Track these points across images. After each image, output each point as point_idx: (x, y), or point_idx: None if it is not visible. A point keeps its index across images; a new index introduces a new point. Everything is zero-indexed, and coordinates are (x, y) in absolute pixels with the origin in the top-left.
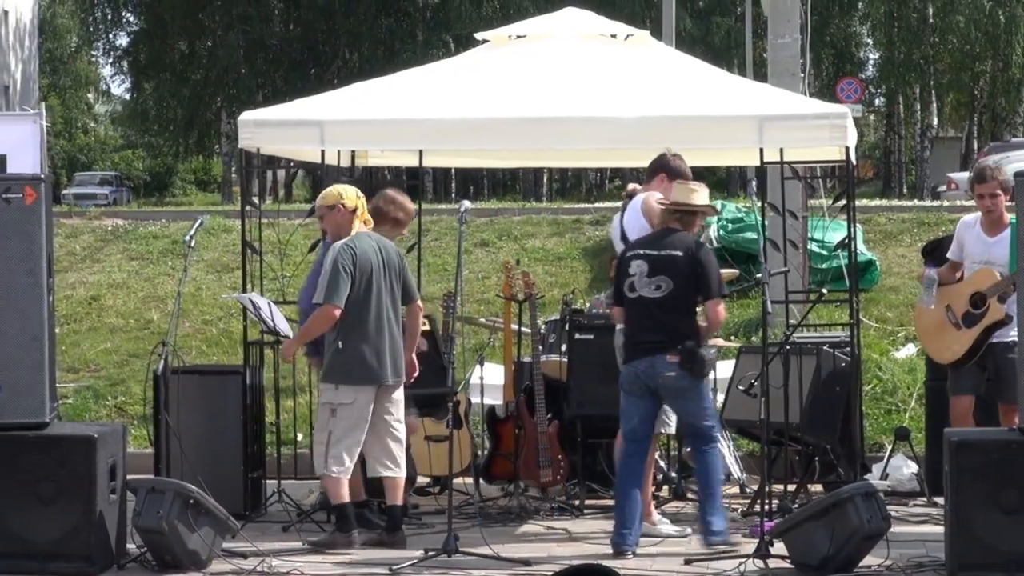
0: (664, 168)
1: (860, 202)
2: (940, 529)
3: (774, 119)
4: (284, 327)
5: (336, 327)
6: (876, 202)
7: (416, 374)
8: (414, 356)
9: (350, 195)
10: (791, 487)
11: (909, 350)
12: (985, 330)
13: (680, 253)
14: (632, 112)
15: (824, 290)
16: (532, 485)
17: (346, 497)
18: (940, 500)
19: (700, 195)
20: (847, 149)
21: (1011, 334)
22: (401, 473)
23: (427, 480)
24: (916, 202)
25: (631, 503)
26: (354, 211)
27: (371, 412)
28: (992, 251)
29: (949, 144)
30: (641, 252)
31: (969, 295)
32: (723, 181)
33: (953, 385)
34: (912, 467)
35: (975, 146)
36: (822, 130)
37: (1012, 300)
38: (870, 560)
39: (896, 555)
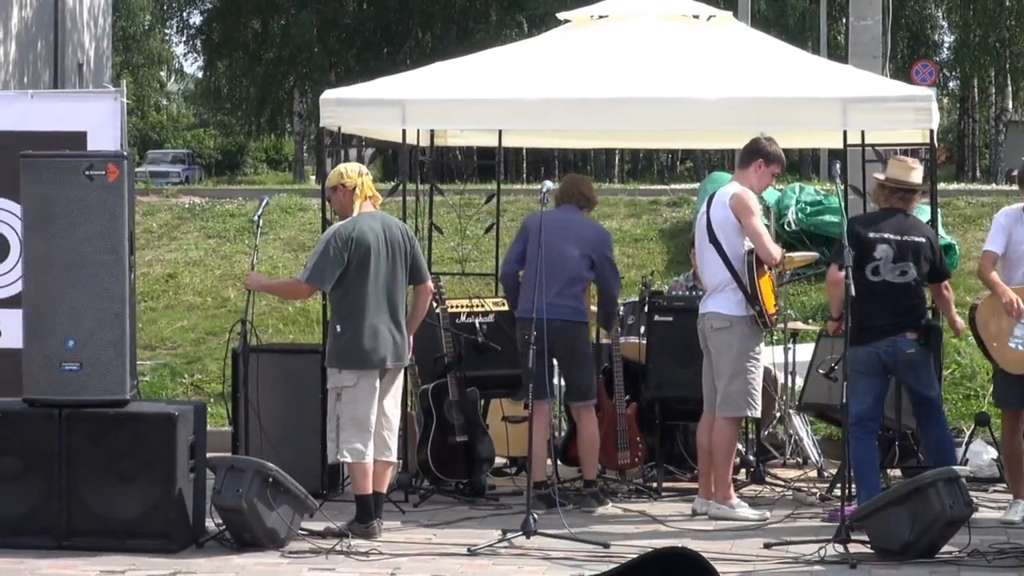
0: (761, 153)
1: (939, 185)
2: None
3: (859, 101)
4: None
5: (334, 310)
6: (955, 186)
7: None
8: (410, 338)
9: (351, 174)
10: None
11: None
12: None
13: (923, 240)
14: (716, 93)
15: None
16: (610, 467)
17: (369, 488)
18: None
19: (918, 173)
20: (931, 132)
21: None
22: (392, 458)
23: (504, 461)
24: (995, 186)
25: (871, 481)
26: (354, 190)
27: (376, 396)
28: None
29: None
30: (886, 236)
31: None
32: (795, 164)
33: (1007, 396)
34: (992, 453)
35: None
36: (906, 112)
37: None
38: (950, 547)
39: (977, 541)
